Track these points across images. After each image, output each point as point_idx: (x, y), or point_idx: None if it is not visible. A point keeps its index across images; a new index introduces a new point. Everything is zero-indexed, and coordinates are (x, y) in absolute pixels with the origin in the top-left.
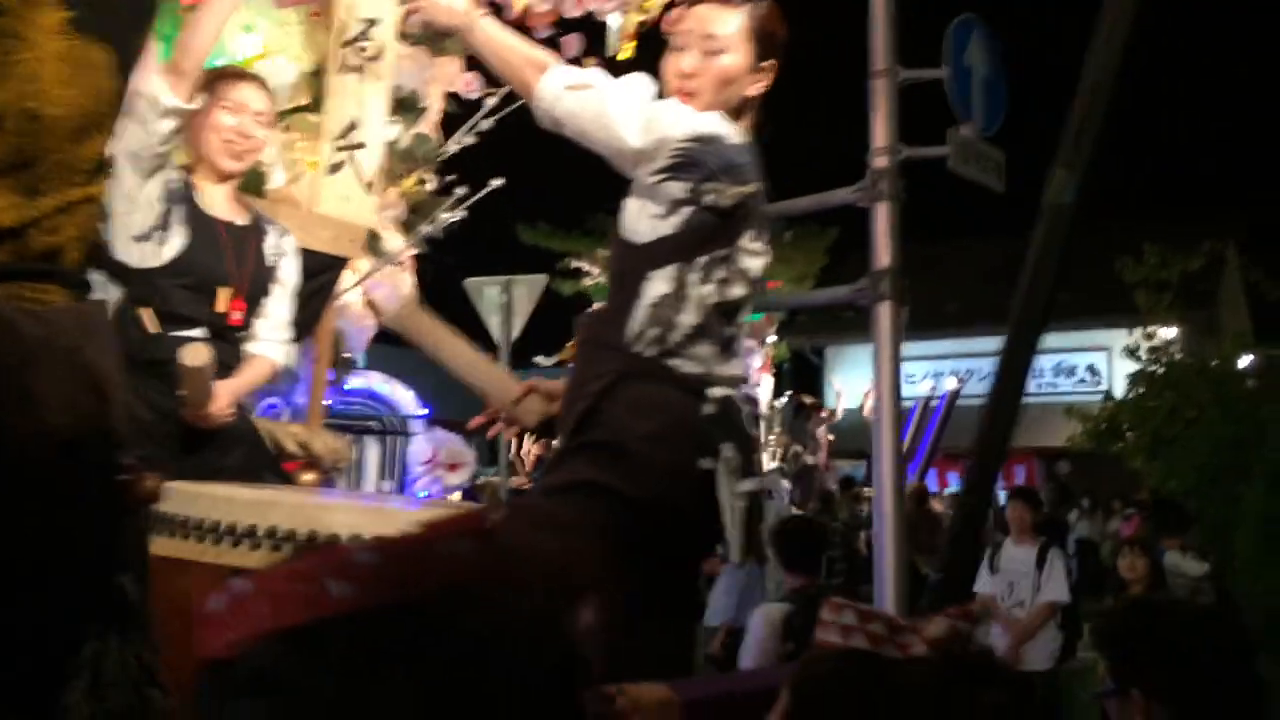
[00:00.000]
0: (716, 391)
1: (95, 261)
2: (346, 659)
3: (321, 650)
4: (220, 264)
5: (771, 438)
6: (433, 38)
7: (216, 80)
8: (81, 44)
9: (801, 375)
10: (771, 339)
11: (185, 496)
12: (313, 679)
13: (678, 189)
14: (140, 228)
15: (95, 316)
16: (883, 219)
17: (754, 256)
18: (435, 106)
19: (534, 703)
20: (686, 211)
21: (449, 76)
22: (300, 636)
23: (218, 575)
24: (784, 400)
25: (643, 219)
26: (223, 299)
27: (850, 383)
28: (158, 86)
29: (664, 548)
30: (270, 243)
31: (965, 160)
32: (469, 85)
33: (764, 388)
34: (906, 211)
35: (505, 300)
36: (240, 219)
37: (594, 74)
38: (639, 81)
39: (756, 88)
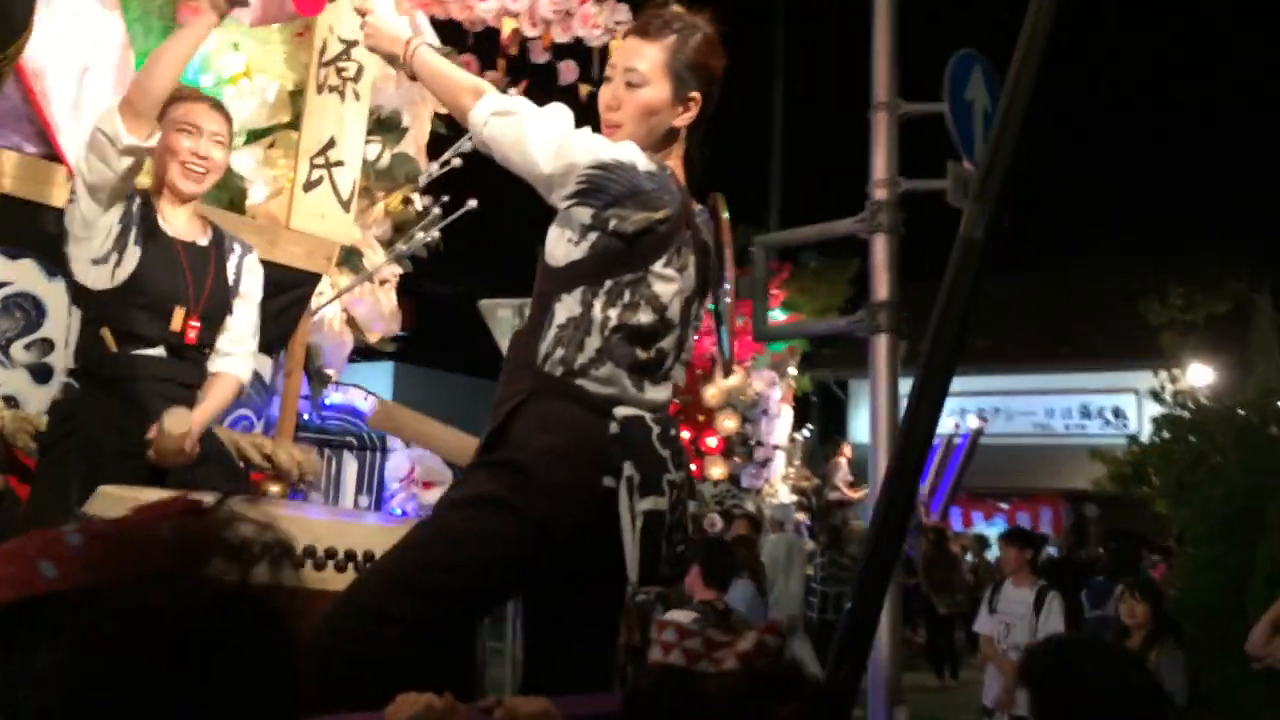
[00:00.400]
0: (623, 411)
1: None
2: (56, 637)
3: (32, 628)
4: (176, 284)
5: (791, 470)
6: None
7: (173, 103)
8: None
9: (827, 408)
10: (793, 371)
11: (108, 499)
12: (23, 656)
13: (584, 214)
14: (98, 252)
15: None
16: (881, 251)
17: (666, 282)
18: (423, 128)
19: (231, 683)
20: (593, 237)
21: (434, 99)
22: (12, 614)
23: None
24: (805, 433)
25: (560, 244)
26: (178, 318)
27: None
28: (116, 124)
29: (565, 563)
30: (233, 260)
31: (965, 194)
32: None
33: (784, 420)
34: (929, 245)
35: (518, 322)
36: (201, 239)
37: (518, 102)
38: (558, 110)
39: (682, 119)
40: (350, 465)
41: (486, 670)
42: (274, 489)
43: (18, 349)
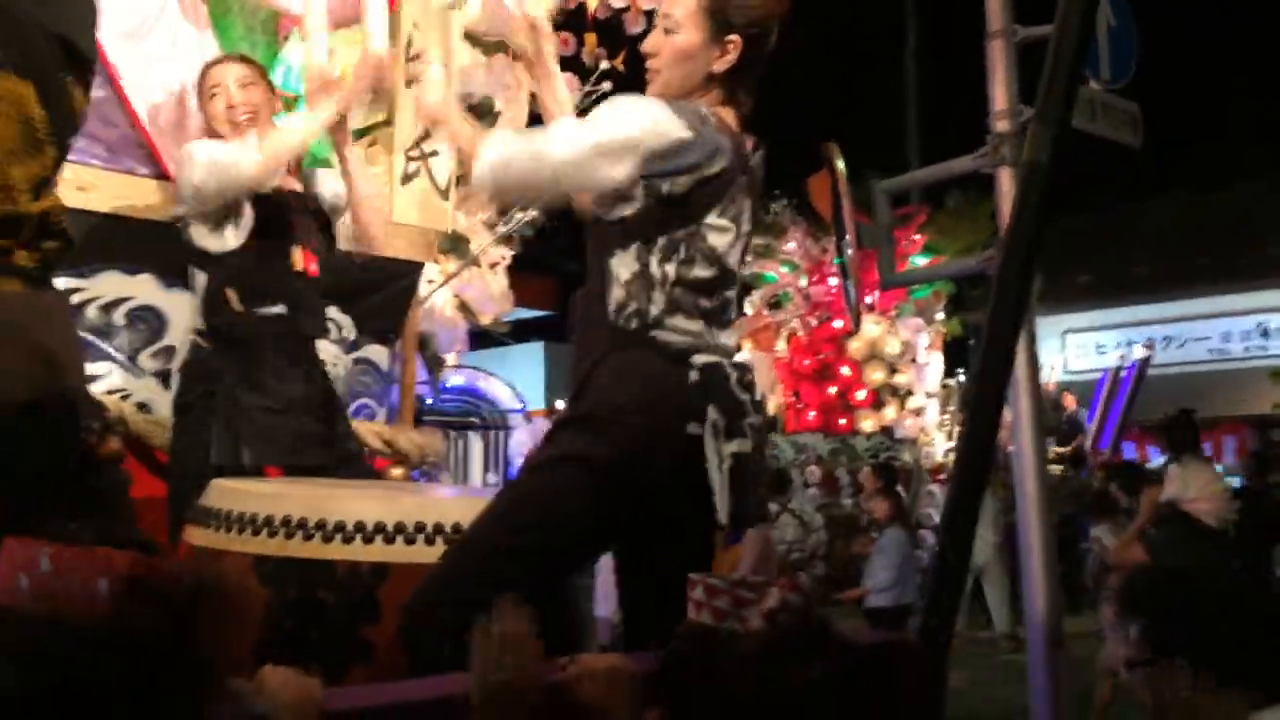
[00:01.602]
0: (701, 359)
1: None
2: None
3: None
4: (288, 227)
5: (946, 417)
6: (509, 44)
7: (198, 81)
8: (4, 80)
9: None
10: (940, 316)
11: (218, 491)
12: None
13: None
14: (215, 219)
15: (49, 304)
16: (1006, 185)
17: (721, 233)
18: (520, 109)
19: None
20: (641, 196)
21: (526, 80)
22: None
23: (243, 563)
24: (959, 378)
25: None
26: (298, 258)
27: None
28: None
29: (653, 514)
30: (322, 191)
31: (1092, 117)
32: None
33: (934, 367)
34: (1060, 175)
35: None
36: (293, 183)
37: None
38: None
39: (721, 63)
40: (475, 444)
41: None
42: (396, 473)
43: (144, 358)
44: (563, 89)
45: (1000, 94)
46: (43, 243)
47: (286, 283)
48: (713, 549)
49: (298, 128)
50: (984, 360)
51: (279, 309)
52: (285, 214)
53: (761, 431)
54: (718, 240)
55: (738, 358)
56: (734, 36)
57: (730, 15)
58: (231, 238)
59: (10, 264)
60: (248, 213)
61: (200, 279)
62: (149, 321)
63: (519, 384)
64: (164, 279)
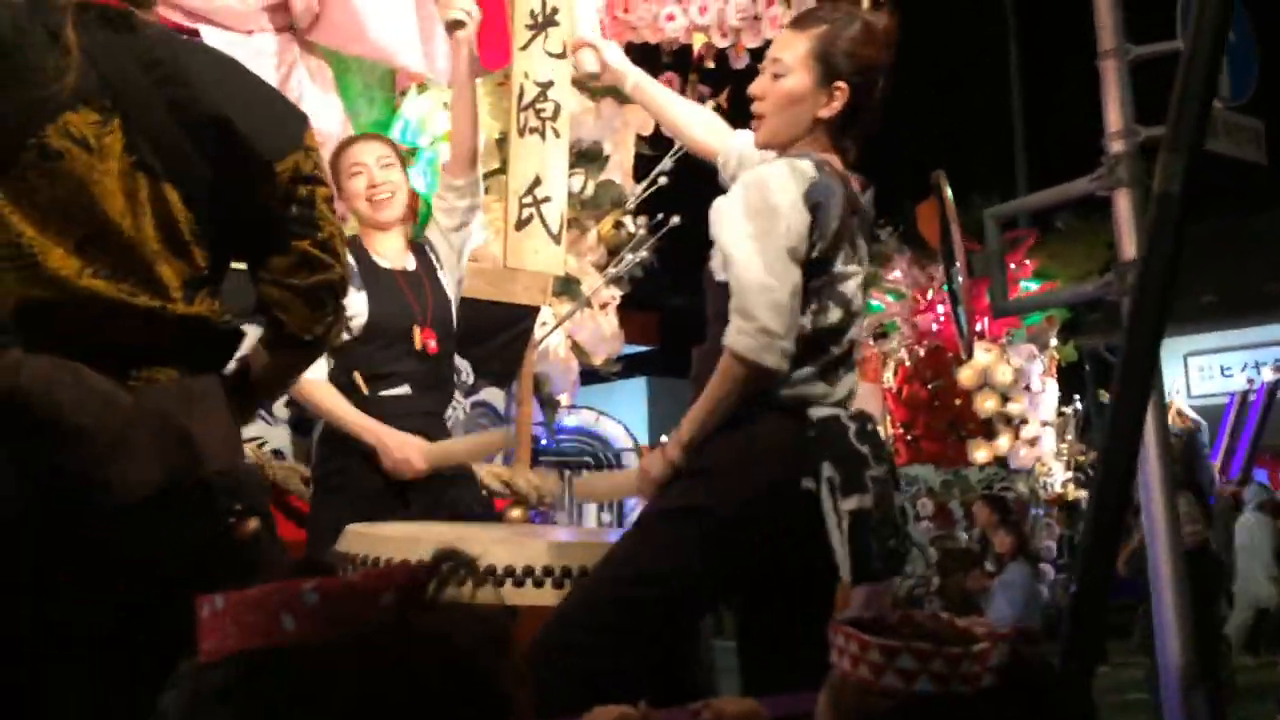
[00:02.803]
0: (818, 412)
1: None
2: (287, 687)
3: (268, 675)
4: (405, 311)
5: (1064, 446)
6: (616, 89)
7: (335, 160)
8: (142, 181)
9: (1100, 377)
10: (1054, 342)
11: (353, 537)
12: (258, 701)
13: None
14: None
15: (201, 390)
16: (1124, 207)
17: (848, 279)
18: (627, 153)
19: None
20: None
21: (638, 122)
22: (255, 659)
23: None
24: (1077, 406)
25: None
26: (418, 337)
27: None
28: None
29: (771, 567)
30: (439, 267)
31: (1214, 134)
32: None
33: (1049, 394)
34: (1203, 185)
35: None
36: (411, 264)
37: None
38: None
39: (827, 109)
40: None
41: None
42: (515, 514)
43: (278, 406)
44: (674, 99)
45: (1114, 114)
46: (198, 344)
47: (408, 364)
48: (833, 600)
49: (339, 412)
50: (1117, 404)
51: (403, 390)
52: (400, 296)
53: (886, 483)
54: (846, 286)
55: (855, 409)
56: (842, 83)
57: (839, 61)
58: (343, 329)
59: (160, 357)
60: (361, 304)
61: (324, 367)
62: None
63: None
64: None
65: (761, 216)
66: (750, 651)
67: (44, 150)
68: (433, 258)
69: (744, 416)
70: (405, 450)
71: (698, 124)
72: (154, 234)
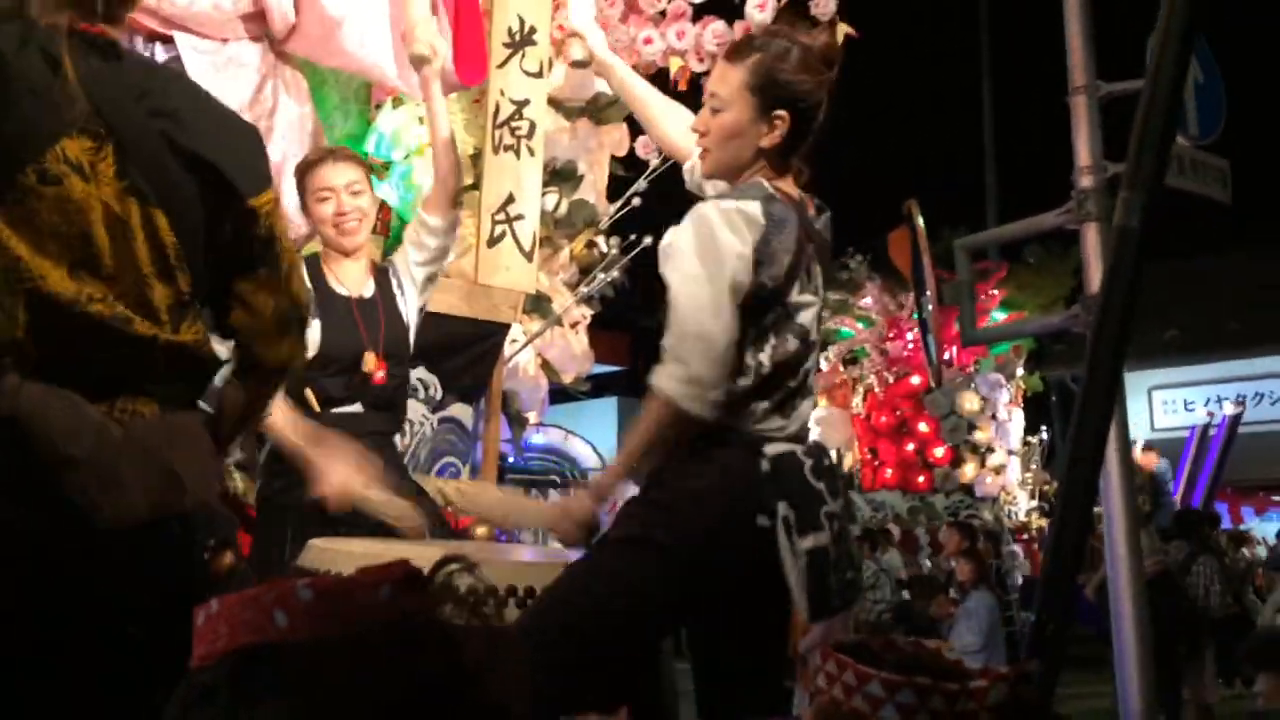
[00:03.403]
0: (773, 449)
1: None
2: (279, 683)
3: (259, 672)
4: (357, 339)
5: (1028, 475)
6: (594, 109)
7: (303, 174)
8: (133, 206)
9: (1065, 407)
10: (1020, 372)
11: (317, 551)
12: (249, 698)
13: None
14: None
15: (182, 426)
16: (1092, 241)
17: (806, 308)
18: (602, 172)
19: None
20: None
21: (613, 143)
22: (246, 658)
23: None
24: (1043, 435)
25: None
26: (370, 362)
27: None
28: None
29: (724, 601)
30: (399, 289)
31: (1179, 172)
32: (646, 149)
33: (1015, 423)
34: (1166, 226)
35: None
36: (370, 289)
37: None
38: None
39: (769, 139)
40: None
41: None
42: (480, 531)
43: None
44: (654, 94)
45: (1084, 150)
46: (182, 370)
47: (358, 389)
48: (787, 634)
49: (288, 433)
50: (1078, 430)
51: (355, 408)
52: (353, 325)
53: (842, 517)
54: (803, 316)
55: (814, 420)
56: (781, 112)
57: (776, 92)
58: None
59: (145, 387)
60: (314, 331)
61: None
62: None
63: (592, 439)
64: None
65: (709, 259)
66: (704, 679)
67: (43, 175)
68: (394, 283)
69: (700, 451)
70: (344, 484)
71: (674, 123)
72: (145, 258)
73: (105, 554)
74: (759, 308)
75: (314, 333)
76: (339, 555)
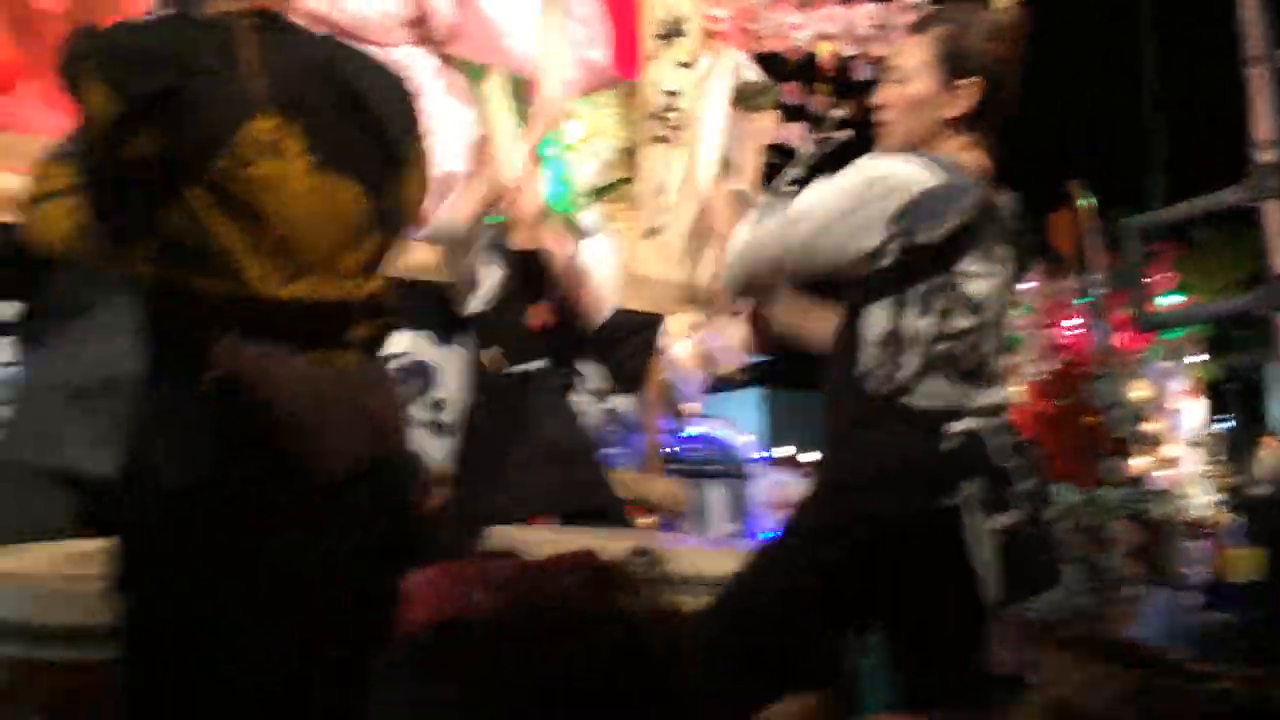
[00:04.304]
0: (958, 426)
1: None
2: (473, 657)
3: (458, 645)
4: (534, 288)
5: (1208, 467)
6: (744, 97)
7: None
8: (323, 178)
9: (1249, 396)
10: (1198, 358)
11: (499, 539)
12: (447, 670)
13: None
14: (463, 277)
15: (379, 374)
16: (1275, 219)
17: (978, 280)
18: (755, 161)
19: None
20: (892, 249)
21: (765, 131)
22: (448, 630)
23: None
24: (1223, 425)
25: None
26: (541, 315)
27: None
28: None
29: (913, 588)
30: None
31: None
32: (798, 138)
33: (1192, 412)
34: None
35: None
36: (543, 240)
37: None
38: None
39: (954, 110)
40: (716, 493)
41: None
42: (645, 521)
43: (416, 409)
44: None
45: (1262, 123)
46: (373, 319)
47: (534, 340)
48: (985, 620)
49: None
50: None
51: (532, 365)
52: (529, 274)
53: (1036, 498)
54: (976, 287)
55: (998, 423)
56: (967, 82)
57: (962, 62)
58: (478, 302)
59: (346, 339)
60: (491, 278)
61: (459, 348)
62: (420, 375)
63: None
64: (433, 335)
65: (846, 198)
66: (894, 668)
67: (237, 157)
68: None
69: (875, 432)
70: None
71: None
72: (338, 227)
73: (324, 500)
74: (917, 268)
75: (489, 285)
76: (521, 546)
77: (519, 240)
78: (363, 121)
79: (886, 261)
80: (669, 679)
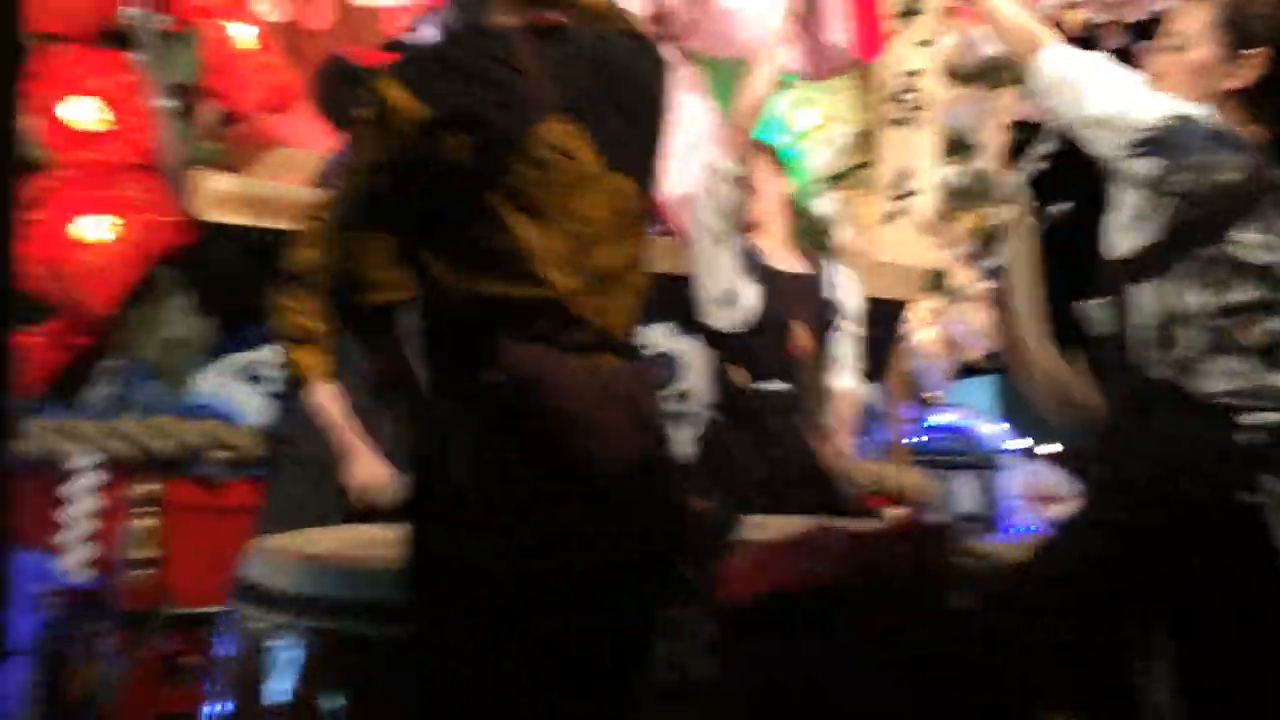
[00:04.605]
0: (1251, 419)
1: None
2: (808, 623)
3: (792, 612)
4: (789, 314)
5: None
6: (987, 74)
7: (765, 150)
8: (608, 177)
9: None
10: None
11: (753, 528)
12: (786, 636)
13: (1145, 168)
14: (717, 292)
15: (641, 374)
16: None
17: (1260, 250)
18: (995, 140)
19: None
20: (1158, 214)
21: (1008, 108)
22: (781, 599)
23: None
24: None
25: (1119, 233)
26: (797, 338)
27: None
28: (718, 157)
29: (1200, 591)
30: (830, 285)
31: None
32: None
33: None
34: None
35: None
36: (802, 267)
37: (1088, 55)
38: (1127, 72)
39: (1236, 80)
40: (964, 485)
41: None
42: (892, 513)
43: (663, 399)
44: None
45: None
46: (636, 315)
47: (786, 362)
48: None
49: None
50: None
51: (781, 385)
52: (786, 296)
53: None
54: (1259, 256)
55: None
56: (1254, 50)
57: (1250, 26)
58: (729, 318)
59: (609, 340)
60: (751, 293)
61: (709, 355)
62: (666, 367)
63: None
64: (675, 327)
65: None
66: (1189, 678)
67: (532, 160)
68: (829, 272)
69: (1160, 422)
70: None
71: None
72: (620, 225)
73: (605, 501)
74: (1186, 233)
75: (749, 298)
76: (763, 532)
77: (760, 240)
78: (635, 116)
79: (1149, 229)
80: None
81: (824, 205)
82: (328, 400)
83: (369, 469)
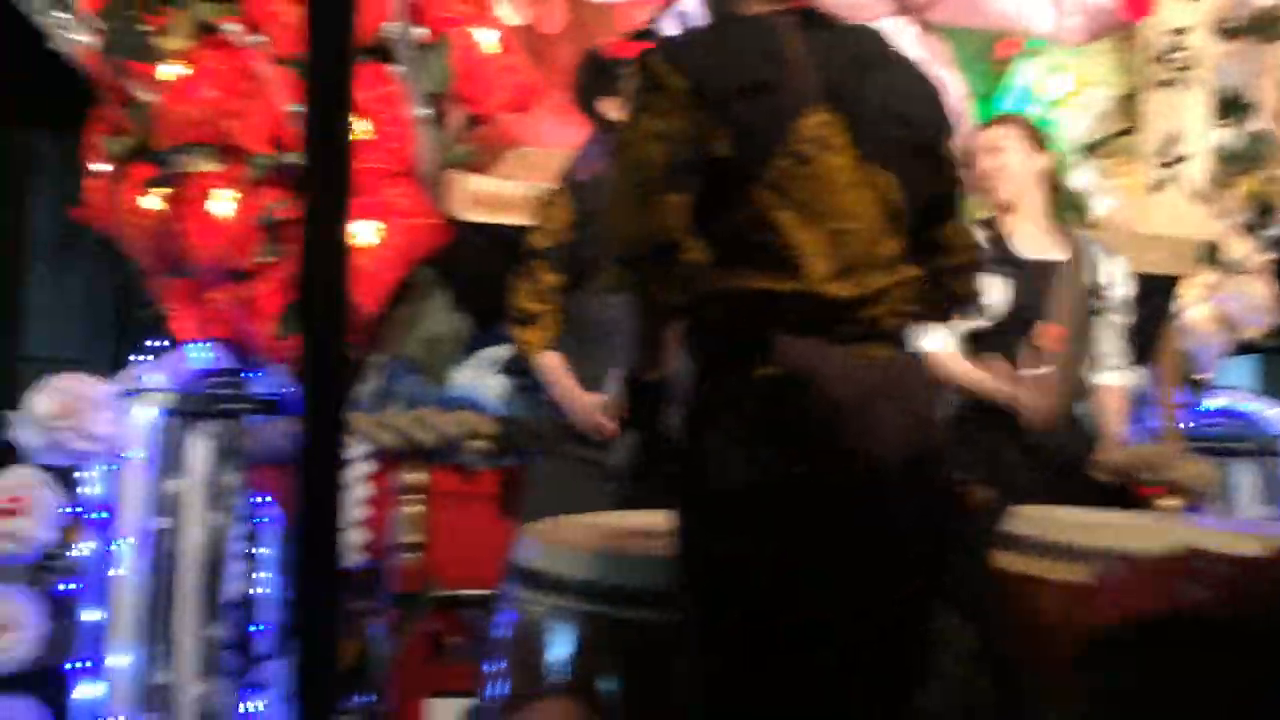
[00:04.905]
0: None
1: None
2: (1190, 654)
3: (1152, 641)
4: (1035, 304)
5: None
6: (1262, 26)
7: (1016, 122)
8: (866, 170)
9: None
10: None
11: (1031, 520)
12: (1153, 669)
13: None
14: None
15: (913, 365)
16: None
17: None
18: (1272, 98)
19: None
20: None
21: None
22: (1156, 624)
23: (1062, 591)
24: None
25: None
26: (1044, 334)
27: None
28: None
29: None
30: (1092, 269)
31: None
32: None
33: None
34: None
35: None
36: (1056, 253)
37: None
38: None
39: None
40: (1242, 473)
41: None
42: (1169, 503)
43: None
44: None
45: None
46: (904, 309)
47: (1034, 354)
48: None
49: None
50: None
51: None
52: (1038, 287)
53: None
54: None
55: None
56: None
57: None
58: (981, 316)
59: (879, 332)
60: (995, 285)
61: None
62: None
63: None
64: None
65: None
66: None
67: (793, 154)
68: (1094, 256)
69: None
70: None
71: None
72: (881, 221)
73: (878, 495)
74: None
75: (994, 292)
76: (1048, 524)
77: (1012, 223)
78: (895, 113)
79: None
80: None
81: (1082, 177)
82: (548, 361)
83: (585, 403)
